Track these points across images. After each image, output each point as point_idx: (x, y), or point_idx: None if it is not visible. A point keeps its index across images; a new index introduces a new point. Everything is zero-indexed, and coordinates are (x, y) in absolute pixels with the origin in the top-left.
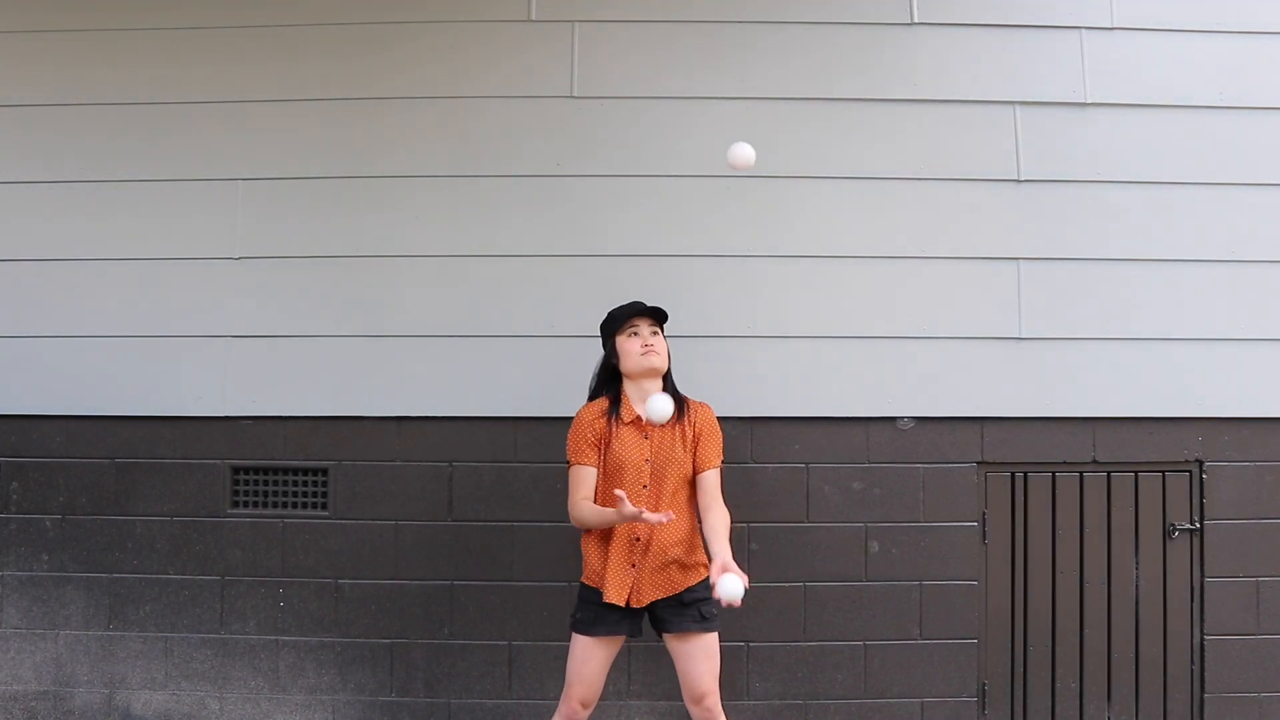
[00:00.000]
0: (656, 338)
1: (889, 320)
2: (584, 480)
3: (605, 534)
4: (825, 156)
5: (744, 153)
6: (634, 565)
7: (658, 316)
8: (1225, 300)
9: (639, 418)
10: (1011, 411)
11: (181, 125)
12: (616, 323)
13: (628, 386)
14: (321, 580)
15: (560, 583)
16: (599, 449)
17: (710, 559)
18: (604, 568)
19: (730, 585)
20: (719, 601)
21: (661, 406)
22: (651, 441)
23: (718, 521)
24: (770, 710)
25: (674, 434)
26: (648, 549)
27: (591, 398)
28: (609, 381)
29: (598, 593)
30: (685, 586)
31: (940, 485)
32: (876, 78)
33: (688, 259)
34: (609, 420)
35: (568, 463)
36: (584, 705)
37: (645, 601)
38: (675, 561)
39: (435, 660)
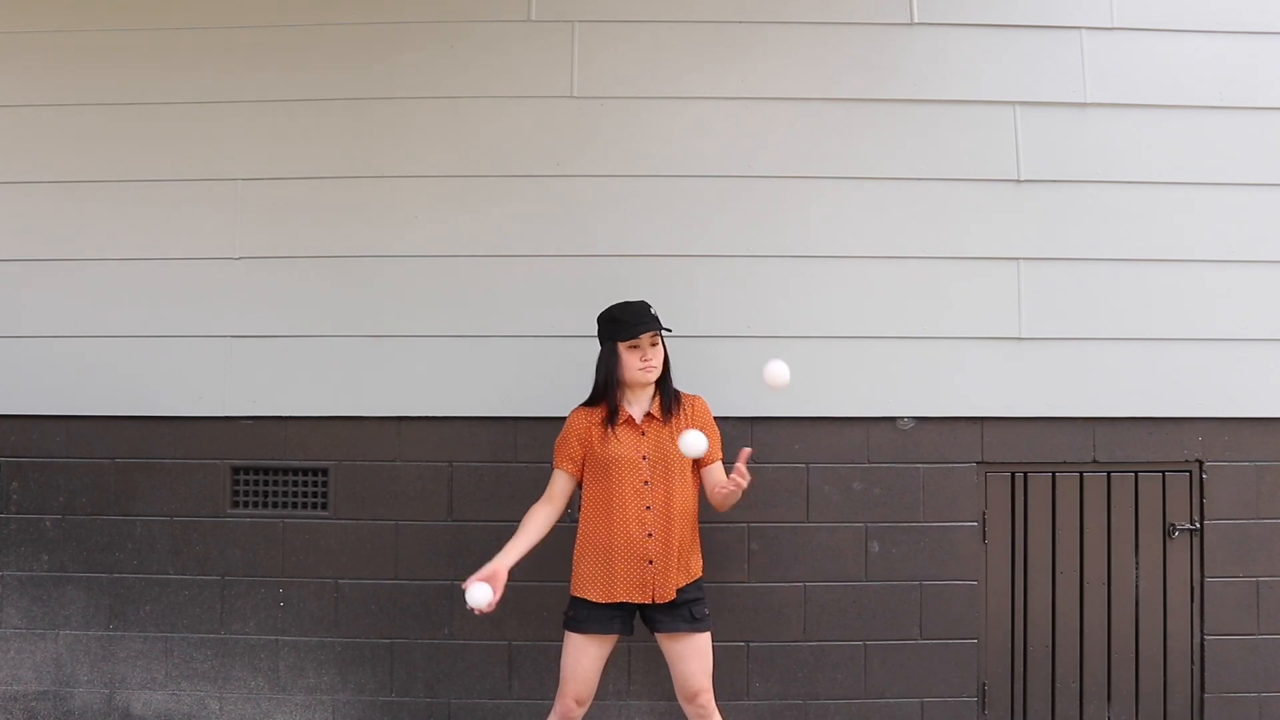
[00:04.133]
0: (655, 349)
1: (889, 320)
2: (552, 484)
3: (615, 533)
4: (825, 156)
5: (778, 374)
6: (651, 562)
7: (661, 329)
8: (1225, 300)
9: (633, 417)
10: (1011, 411)
11: (181, 125)
12: (621, 329)
13: (623, 388)
14: (321, 580)
15: (560, 583)
16: (584, 452)
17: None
18: (619, 565)
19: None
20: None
21: (692, 444)
22: (648, 438)
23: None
24: (770, 710)
25: (671, 429)
26: (662, 543)
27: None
28: (607, 383)
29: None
30: (677, 587)
31: (940, 485)
32: (876, 78)
33: (687, 259)
34: (603, 422)
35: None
36: (579, 703)
37: (663, 599)
38: (680, 561)
39: (435, 660)
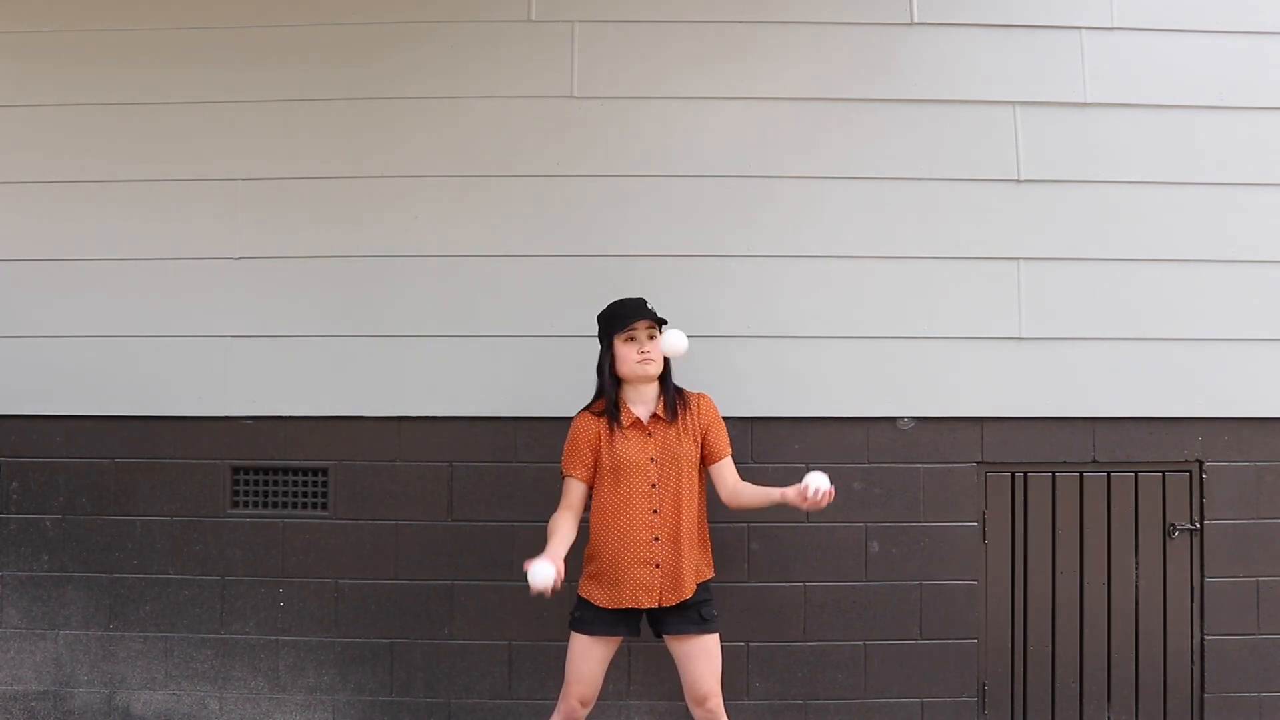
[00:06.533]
0: (654, 343)
1: (889, 320)
2: (569, 492)
3: (623, 537)
4: (825, 156)
5: (675, 343)
6: (658, 566)
7: (657, 320)
8: (1225, 300)
9: (639, 419)
10: (1011, 411)
11: (181, 125)
12: (616, 323)
13: (625, 389)
14: (321, 580)
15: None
16: (595, 458)
17: (780, 495)
18: (626, 569)
19: (818, 477)
20: (817, 492)
21: (673, 343)
22: (655, 440)
23: (753, 487)
24: (770, 710)
25: (677, 430)
26: (670, 547)
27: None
28: (608, 382)
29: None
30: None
31: (940, 485)
32: (876, 78)
33: (688, 259)
34: (609, 425)
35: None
36: (583, 704)
37: (671, 602)
38: (689, 564)
39: (435, 660)
